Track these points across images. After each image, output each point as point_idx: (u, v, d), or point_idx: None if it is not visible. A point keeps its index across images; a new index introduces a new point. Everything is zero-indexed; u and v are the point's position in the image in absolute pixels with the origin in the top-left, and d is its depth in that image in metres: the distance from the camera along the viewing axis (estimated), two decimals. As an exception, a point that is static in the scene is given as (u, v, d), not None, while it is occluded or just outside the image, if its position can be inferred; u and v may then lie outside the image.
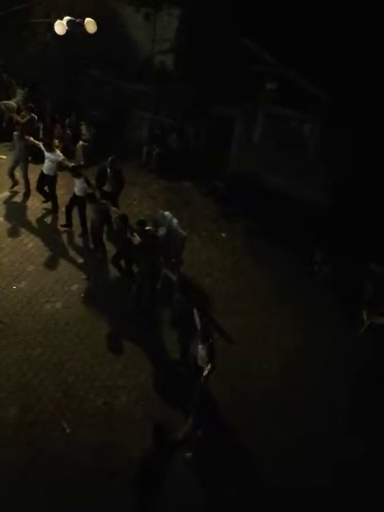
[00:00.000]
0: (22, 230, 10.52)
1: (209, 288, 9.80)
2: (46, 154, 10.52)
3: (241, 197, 12.72)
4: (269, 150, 13.69)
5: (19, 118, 12.36)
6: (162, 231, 9.64)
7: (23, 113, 13.13)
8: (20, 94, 14.62)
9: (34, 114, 12.70)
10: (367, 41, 11.09)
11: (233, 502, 6.38)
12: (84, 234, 10.56)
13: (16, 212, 11.07)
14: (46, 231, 10.68)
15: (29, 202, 11.43)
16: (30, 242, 10.18)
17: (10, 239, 10.13)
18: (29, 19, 12.25)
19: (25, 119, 12.68)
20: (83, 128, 13.63)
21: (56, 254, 10.03)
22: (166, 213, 9.86)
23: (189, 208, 12.41)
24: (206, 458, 6.72)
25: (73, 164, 10.68)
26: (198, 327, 7.02)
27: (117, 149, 11.13)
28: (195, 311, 7.14)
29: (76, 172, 10.08)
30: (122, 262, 9.46)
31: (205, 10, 12.57)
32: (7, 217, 10.81)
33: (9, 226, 10.54)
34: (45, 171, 10.72)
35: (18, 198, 11.52)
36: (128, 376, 7.65)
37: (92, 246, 10.24)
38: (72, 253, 10.16)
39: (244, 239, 11.61)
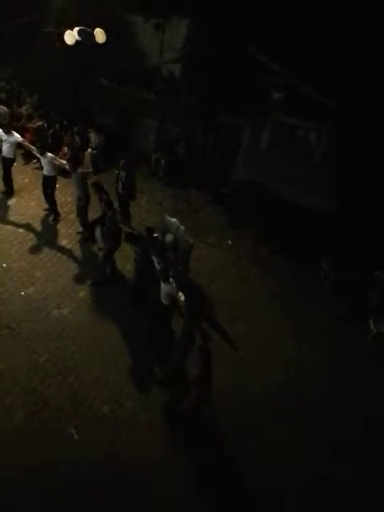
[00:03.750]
0: (30, 236, 10.61)
1: (215, 295, 9.81)
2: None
3: (247, 204, 12.75)
4: (275, 159, 13.75)
5: (31, 125, 12.54)
6: (169, 238, 9.71)
7: (35, 120, 13.34)
8: (29, 101, 14.83)
9: (43, 122, 12.88)
10: (375, 49, 11.14)
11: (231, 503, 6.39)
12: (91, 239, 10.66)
13: (23, 218, 11.18)
14: (52, 236, 10.79)
15: (36, 209, 11.54)
16: (38, 248, 10.27)
17: (18, 246, 10.21)
18: (39, 29, 12.42)
19: (35, 126, 12.86)
20: (92, 136, 13.75)
21: (63, 259, 10.11)
22: (173, 220, 9.94)
23: (195, 215, 12.48)
24: (206, 463, 6.73)
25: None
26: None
27: (125, 156, 11.22)
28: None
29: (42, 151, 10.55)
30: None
31: (213, 20, 12.68)
32: (15, 223, 10.93)
33: (17, 232, 10.64)
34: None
35: (25, 205, 11.64)
36: (134, 383, 7.66)
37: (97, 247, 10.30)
38: (79, 260, 10.23)
39: (250, 247, 11.64)
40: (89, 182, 10.24)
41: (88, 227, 10.50)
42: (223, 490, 6.50)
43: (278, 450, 6.96)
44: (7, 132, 11.19)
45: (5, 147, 11.34)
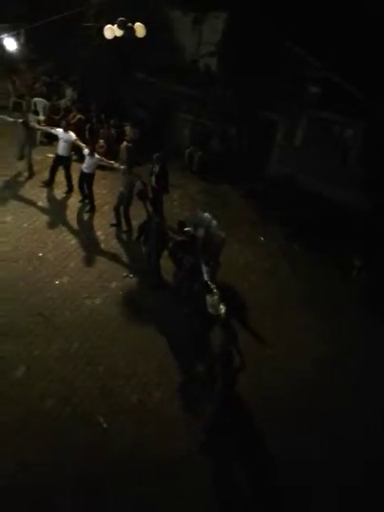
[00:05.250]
0: (65, 227, 10.86)
1: (245, 291, 9.82)
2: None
3: (280, 200, 12.69)
4: (310, 154, 13.61)
5: (69, 119, 12.79)
6: (200, 232, 9.75)
7: (73, 113, 13.60)
8: (69, 94, 15.10)
9: (81, 116, 13.12)
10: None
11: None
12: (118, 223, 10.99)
13: (59, 209, 11.45)
14: (87, 228, 11.02)
15: (72, 200, 11.79)
16: (73, 239, 10.50)
17: (54, 236, 10.46)
18: (80, 24, 12.63)
19: (75, 119, 13.11)
20: (127, 129, 13.90)
21: (97, 251, 10.31)
22: (206, 214, 9.96)
23: (228, 210, 12.49)
24: (230, 460, 6.78)
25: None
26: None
27: (159, 150, 11.34)
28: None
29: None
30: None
31: (250, 13, 12.61)
32: (52, 214, 11.20)
33: (53, 222, 10.90)
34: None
35: (60, 196, 11.92)
36: (163, 374, 7.75)
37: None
38: (112, 251, 10.41)
39: (282, 243, 11.60)
40: (137, 186, 10.40)
41: (127, 222, 10.84)
42: (249, 487, 6.52)
43: (306, 450, 6.91)
44: (65, 130, 11.32)
45: (61, 145, 11.44)
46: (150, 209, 9.53)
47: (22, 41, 12.90)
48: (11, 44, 11.58)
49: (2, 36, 11.22)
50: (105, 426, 6.85)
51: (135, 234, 10.55)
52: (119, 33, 11.01)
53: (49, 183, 12.02)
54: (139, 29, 11.15)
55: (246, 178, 13.47)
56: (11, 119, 11.92)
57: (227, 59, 14.06)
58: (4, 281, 8.97)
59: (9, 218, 10.71)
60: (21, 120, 11.81)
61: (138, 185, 10.51)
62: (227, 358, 6.52)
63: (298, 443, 6.98)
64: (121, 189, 10.69)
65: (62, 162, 11.66)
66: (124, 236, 10.92)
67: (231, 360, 6.53)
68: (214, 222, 9.73)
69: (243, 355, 6.60)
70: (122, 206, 10.80)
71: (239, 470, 6.67)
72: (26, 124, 11.77)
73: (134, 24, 11.07)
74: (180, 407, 7.28)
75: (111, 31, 11.07)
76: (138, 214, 10.60)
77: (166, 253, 9.55)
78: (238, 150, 14.47)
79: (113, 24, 10.96)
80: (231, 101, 13.82)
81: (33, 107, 14.15)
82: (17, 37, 11.90)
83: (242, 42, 13.14)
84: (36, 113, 13.94)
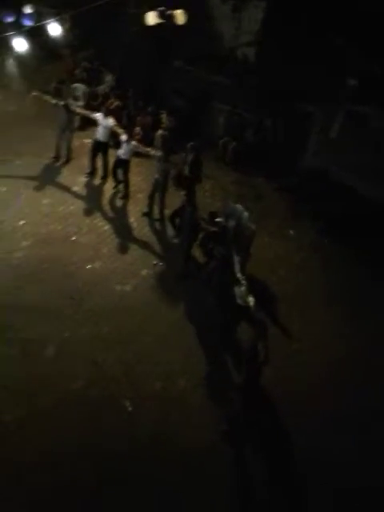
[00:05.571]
0: (99, 212, 11.05)
1: (274, 285, 9.84)
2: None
3: (313, 194, 12.56)
4: (346, 148, 13.40)
5: (107, 105, 12.92)
6: (231, 223, 9.79)
7: (111, 100, 13.74)
8: (108, 81, 15.23)
9: (119, 102, 13.24)
10: None
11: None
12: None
13: (94, 195, 11.65)
14: (121, 215, 11.19)
15: (106, 186, 11.98)
16: (106, 225, 10.69)
17: (88, 221, 10.68)
18: (121, 10, 12.69)
19: (113, 106, 13.25)
20: (163, 117, 13.96)
21: (129, 238, 10.48)
22: (238, 205, 9.98)
23: (260, 202, 12.44)
24: (253, 452, 6.87)
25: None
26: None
27: (194, 139, 11.37)
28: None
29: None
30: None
31: (290, 2, 12.44)
32: (86, 199, 11.41)
33: (87, 208, 11.11)
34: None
35: (96, 182, 12.10)
36: (188, 363, 7.89)
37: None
38: (144, 238, 10.56)
39: (313, 237, 11.51)
40: (171, 173, 10.55)
41: (161, 210, 11.00)
42: (272, 479, 6.59)
43: (329, 450, 6.93)
44: (104, 116, 11.41)
45: (100, 131, 11.53)
46: (185, 197, 9.62)
47: (66, 26, 13.01)
48: (56, 29, 11.68)
49: (48, 21, 11.37)
50: (130, 409, 7.05)
51: (167, 224, 10.68)
52: (160, 21, 11.08)
53: (92, 172, 12.13)
54: (179, 16, 11.20)
55: (279, 170, 13.36)
56: (53, 101, 12.07)
57: (265, 49, 13.91)
58: (39, 262, 9.26)
59: (45, 201, 10.98)
60: (62, 102, 11.97)
61: (173, 172, 10.62)
62: (253, 352, 6.61)
63: (322, 441, 7.01)
64: (156, 176, 10.81)
65: (100, 147, 11.79)
66: (156, 224, 11.04)
67: (257, 354, 6.61)
68: (246, 214, 9.74)
69: (269, 349, 6.67)
70: (158, 193, 10.93)
71: (261, 464, 6.74)
72: (67, 107, 11.91)
73: (174, 11, 11.11)
74: (204, 396, 7.41)
75: (152, 18, 11.15)
76: (171, 203, 10.72)
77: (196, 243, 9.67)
78: (272, 141, 14.35)
79: (154, 11, 11.03)
80: (267, 91, 13.68)
81: (73, 92, 14.33)
82: (62, 22, 11.98)
83: (281, 32, 12.97)
84: (76, 98, 14.13)
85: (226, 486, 6.34)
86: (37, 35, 12.28)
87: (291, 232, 11.60)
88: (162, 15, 11.05)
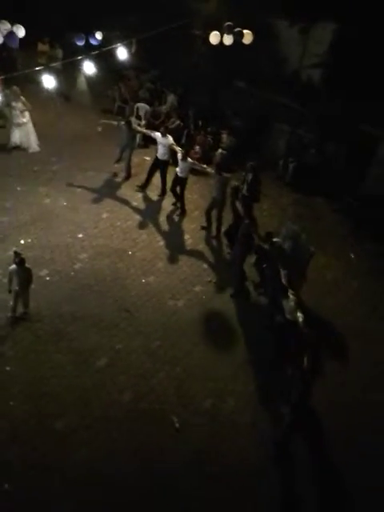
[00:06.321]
0: (156, 228, 11.17)
1: (331, 310, 9.53)
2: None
3: (375, 218, 12.18)
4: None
5: (168, 124, 13.19)
6: (288, 244, 9.62)
7: (172, 119, 14.02)
8: (170, 101, 15.58)
9: (180, 122, 13.47)
10: None
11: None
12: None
13: (151, 211, 11.80)
14: (176, 231, 11.26)
15: (164, 203, 12.13)
16: (162, 240, 10.78)
17: (144, 236, 10.82)
18: (184, 34, 12.99)
19: (173, 125, 13.50)
20: (224, 137, 14.05)
21: (184, 253, 10.51)
22: (296, 227, 9.82)
23: (319, 224, 12.20)
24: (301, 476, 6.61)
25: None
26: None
27: (253, 159, 11.35)
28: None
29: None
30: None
31: (361, 25, 12.27)
32: (143, 215, 11.57)
33: (144, 223, 11.26)
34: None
35: (153, 198, 12.27)
36: (238, 382, 7.74)
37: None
38: (199, 255, 10.55)
39: (373, 262, 11.12)
40: (229, 187, 10.55)
41: (218, 228, 11.03)
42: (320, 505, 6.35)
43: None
44: (163, 135, 11.62)
45: (160, 149, 11.77)
46: (241, 211, 9.54)
47: (132, 50, 13.51)
48: (123, 53, 12.19)
49: (116, 45, 11.83)
50: (177, 426, 6.96)
51: (223, 241, 10.64)
52: (227, 39, 11.23)
53: (145, 186, 12.40)
54: (247, 36, 11.34)
55: (340, 192, 13.08)
56: (115, 122, 12.48)
57: (333, 71, 13.77)
58: (96, 274, 9.44)
59: (105, 215, 11.23)
60: (123, 122, 12.31)
61: (232, 183, 10.60)
62: (303, 370, 6.38)
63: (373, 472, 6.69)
64: (213, 194, 10.84)
65: (160, 165, 12.00)
66: (212, 241, 11.03)
67: (311, 379, 6.38)
68: (304, 235, 9.56)
69: (321, 366, 6.47)
70: (215, 210, 10.94)
71: (310, 490, 6.49)
72: (128, 124, 12.24)
73: (243, 30, 11.26)
74: (253, 416, 7.24)
75: (216, 37, 11.36)
76: (229, 221, 10.70)
77: (251, 261, 9.56)
78: (334, 163, 14.10)
79: (221, 30, 11.22)
80: (334, 114, 13.49)
81: (135, 112, 14.75)
82: (128, 46, 12.45)
83: (350, 54, 12.80)
84: (138, 117, 14.54)
85: (272, 509, 6.15)
86: (104, 58, 12.78)
87: (351, 255, 11.24)
88: (230, 30, 11.19)
